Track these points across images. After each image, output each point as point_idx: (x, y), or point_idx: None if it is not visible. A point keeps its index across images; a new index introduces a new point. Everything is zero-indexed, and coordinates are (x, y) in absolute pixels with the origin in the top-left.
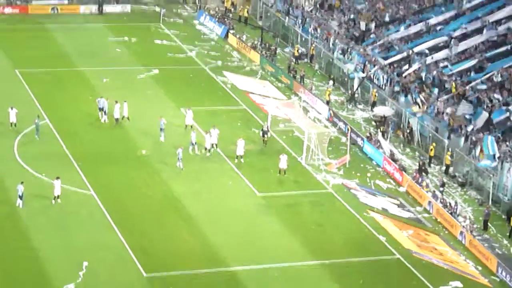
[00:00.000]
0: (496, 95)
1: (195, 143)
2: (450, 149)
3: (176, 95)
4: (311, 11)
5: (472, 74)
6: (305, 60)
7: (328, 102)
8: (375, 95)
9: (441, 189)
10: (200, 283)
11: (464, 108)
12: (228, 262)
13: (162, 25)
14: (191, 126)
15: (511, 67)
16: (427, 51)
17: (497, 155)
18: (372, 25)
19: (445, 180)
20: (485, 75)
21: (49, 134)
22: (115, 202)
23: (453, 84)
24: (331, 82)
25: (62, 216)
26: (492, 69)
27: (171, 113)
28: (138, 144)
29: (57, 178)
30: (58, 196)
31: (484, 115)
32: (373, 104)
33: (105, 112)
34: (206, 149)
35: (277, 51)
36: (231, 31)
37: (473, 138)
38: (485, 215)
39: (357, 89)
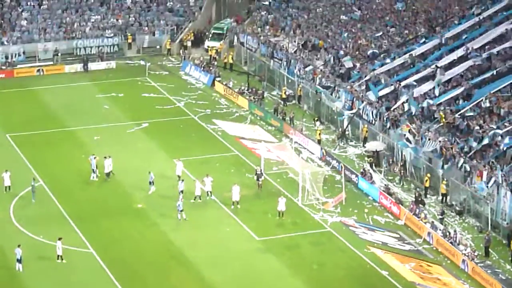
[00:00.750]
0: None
1: (182, 191)
2: (445, 178)
3: (168, 146)
4: (295, 52)
5: (461, 102)
6: (293, 101)
7: (319, 142)
8: (366, 131)
9: (440, 217)
10: None
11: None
12: None
13: (148, 78)
14: (179, 177)
15: (497, 92)
16: (414, 83)
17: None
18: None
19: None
20: (473, 102)
21: (44, 196)
22: (114, 257)
23: (441, 114)
24: (318, 123)
25: (63, 276)
26: (480, 95)
27: (164, 165)
28: (132, 198)
29: (59, 239)
30: (59, 256)
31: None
32: (365, 140)
33: (93, 170)
34: (196, 196)
35: (265, 95)
36: (217, 79)
37: (467, 166)
38: (486, 241)
39: (347, 126)
